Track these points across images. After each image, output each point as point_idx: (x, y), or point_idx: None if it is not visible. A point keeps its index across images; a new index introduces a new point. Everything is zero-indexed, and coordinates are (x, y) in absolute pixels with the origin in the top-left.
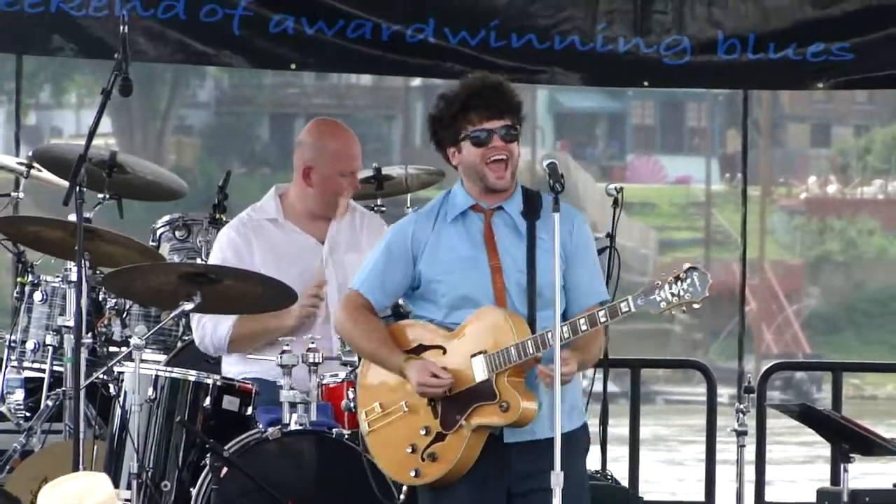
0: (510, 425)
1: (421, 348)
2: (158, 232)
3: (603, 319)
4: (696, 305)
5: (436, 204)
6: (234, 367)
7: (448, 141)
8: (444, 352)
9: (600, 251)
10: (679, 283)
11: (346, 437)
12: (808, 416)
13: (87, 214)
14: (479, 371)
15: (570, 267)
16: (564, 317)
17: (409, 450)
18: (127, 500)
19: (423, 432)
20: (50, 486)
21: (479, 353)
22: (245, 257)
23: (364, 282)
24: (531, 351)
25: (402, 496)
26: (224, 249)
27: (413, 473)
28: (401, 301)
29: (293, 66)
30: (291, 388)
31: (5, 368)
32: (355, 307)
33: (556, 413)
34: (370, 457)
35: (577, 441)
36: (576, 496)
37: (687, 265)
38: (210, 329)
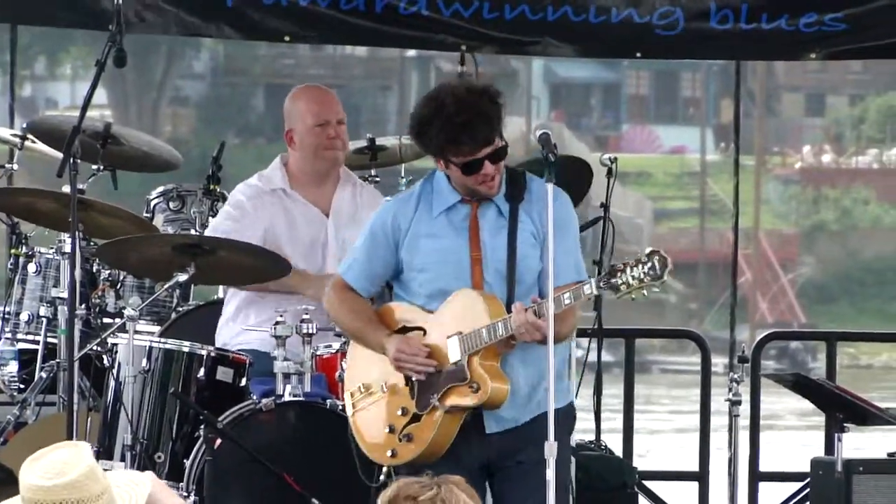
0: (482, 406)
1: (405, 329)
2: (152, 203)
3: (567, 302)
4: (655, 289)
5: (418, 189)
6: (229, 339)
7: (433, 154)
8: (425, 333)
9: (595, 221)
10: (640, 266)
11: (340, 408)
12: (802, 385)
13: (80, 186)
14: (454, 352)
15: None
16: (539, 296)
17: (388, 430)
18: None
19: (400, 413)
20: (30, 461)
21: (455, 334)
22: (249, 218)
23: (349, 269)
24: (501, 333)
25: (382, 476)
26: (230, 206)
27: (389, 454)
28: None
29: (287, 39)
30: (285, 360)
31: None
32: (342, 288)
33: (550, 384)
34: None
35: (557, 421)
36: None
37: (649, 249)
38: None
